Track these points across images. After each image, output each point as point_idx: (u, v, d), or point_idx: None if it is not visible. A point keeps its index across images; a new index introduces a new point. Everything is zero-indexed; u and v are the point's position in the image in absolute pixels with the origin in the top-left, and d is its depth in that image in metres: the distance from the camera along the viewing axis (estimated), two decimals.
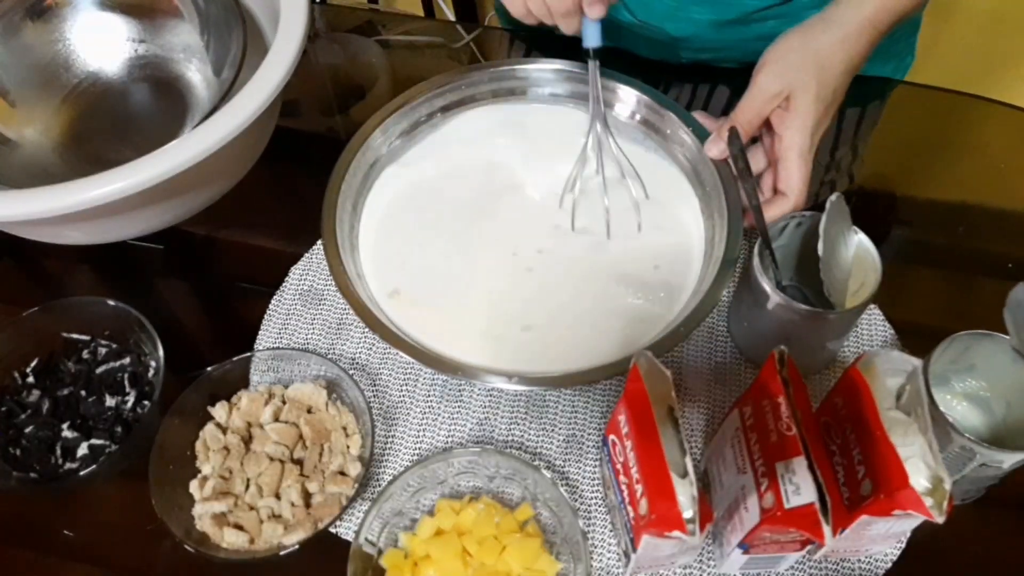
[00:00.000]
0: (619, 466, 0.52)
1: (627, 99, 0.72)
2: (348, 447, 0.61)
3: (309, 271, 0.72)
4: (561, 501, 0.56)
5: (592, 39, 0.65)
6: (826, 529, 0.44)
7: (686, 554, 0.54)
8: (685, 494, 0.46)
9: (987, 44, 1.49)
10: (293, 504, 0.59)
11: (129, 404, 0.64)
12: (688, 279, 0.64)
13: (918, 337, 0.65)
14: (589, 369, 0.58)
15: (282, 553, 0.56)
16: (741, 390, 0.59)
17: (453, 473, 0.59)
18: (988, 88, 0.85)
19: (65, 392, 0.64)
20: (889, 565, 0.57)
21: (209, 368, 0.62)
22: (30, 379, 0.65)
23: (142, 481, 0.57)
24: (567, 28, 0.64)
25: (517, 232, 0.67)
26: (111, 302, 0.65)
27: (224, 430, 0.62)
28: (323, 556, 0.58)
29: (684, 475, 0.46)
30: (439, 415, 0.64)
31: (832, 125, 0.66)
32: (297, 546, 0.55)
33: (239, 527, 0.58)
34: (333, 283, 0.61)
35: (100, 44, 0.80)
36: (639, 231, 0.67)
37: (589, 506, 0.60)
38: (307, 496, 0.59)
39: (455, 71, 0.73)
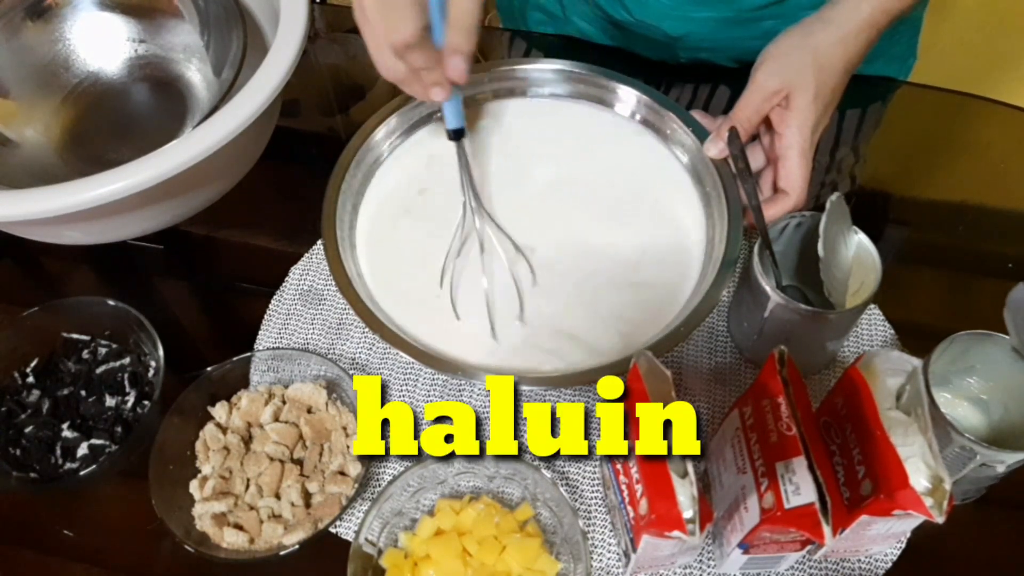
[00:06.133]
0: (619, 466, 0.52)
1: (627, 99, 0.72)
2: (348, 447, 0.61)
3: (309, 271, 0.72)
4: (561, 501, 0.56)
5: (451, 120, 0.62)
6: (826, 529, 0.44)
7: (686, 554, 0.54)
8: (685, 494, 0.46)
9: (987, 44, 1.49)
10: (293, 504, 0.59)
11: (129, 404, 0.64)
12: (688, 279, 0.64)
13: (918, 337, 0.65)
14: (589, 369, 0.58)
15: (282, 553, 0.56)
16: (741, 390, 0.59)
17: (453, 473, 0.59)
18: (988, 88, 0.84)
19: (65, 392, 0.64)
20: (889, 565, 0.57)
21: (209, 368, 0.62)
22: (30, 379, 0.65)
23: (142, 481, 0.57)
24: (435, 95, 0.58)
25: (517, 232, 0.67)
26: (111, 302, 0.65)
27: (224, 430, 0.62)
28: (323, 556, 0.58)
29: (684, 475, 0.46)
30: None
31: (831, 125, 0.66)
32: (297, 546, 0.55)
33: (239, 527, 0.58)
34: (333, 283, 0.61)
35: (100, 44, 0.80)
36: (638, 232, 0.67)
37: (589, 506, 0.60)
38: (307, 496, 0.59)
39: None
